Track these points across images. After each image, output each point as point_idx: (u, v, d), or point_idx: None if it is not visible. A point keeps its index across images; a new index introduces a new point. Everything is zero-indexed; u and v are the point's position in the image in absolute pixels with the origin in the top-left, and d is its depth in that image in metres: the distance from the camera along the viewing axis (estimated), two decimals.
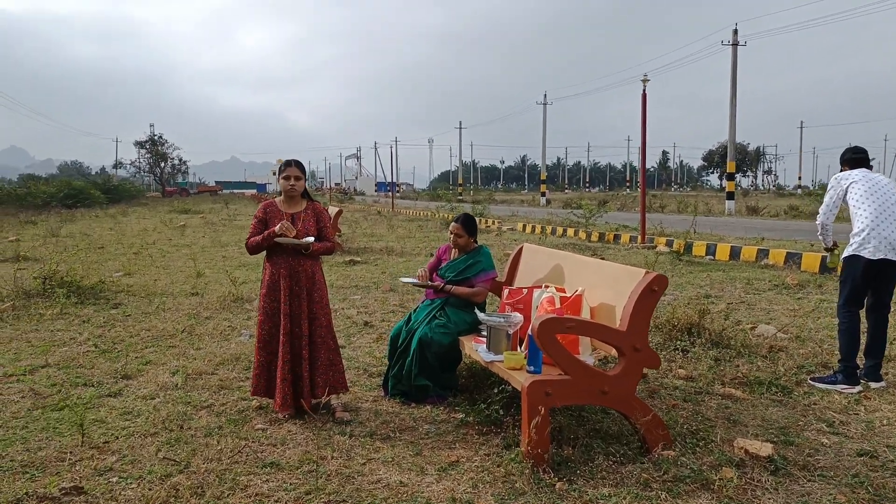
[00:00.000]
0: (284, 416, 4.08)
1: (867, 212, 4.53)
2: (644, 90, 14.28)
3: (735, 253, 12.04)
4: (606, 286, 3.84)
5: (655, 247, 13.98)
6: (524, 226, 20.25)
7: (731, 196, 29.13)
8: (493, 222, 22.04)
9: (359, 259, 12.21)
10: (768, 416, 4.08)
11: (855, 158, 4.89)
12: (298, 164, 4.22)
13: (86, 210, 32.43)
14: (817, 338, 5.95)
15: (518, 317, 3.89)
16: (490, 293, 4.79)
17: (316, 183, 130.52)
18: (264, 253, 4.26)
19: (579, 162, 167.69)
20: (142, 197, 53.48)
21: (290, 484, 3.23)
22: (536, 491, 3.10)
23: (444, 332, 4.41)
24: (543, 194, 46.20)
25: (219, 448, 3.64)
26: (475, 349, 4.11)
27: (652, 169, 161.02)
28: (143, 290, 8.84)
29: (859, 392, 4.49)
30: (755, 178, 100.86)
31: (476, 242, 4.80)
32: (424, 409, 4.26)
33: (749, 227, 18.48)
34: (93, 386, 4.76)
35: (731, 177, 30.04)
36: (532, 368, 3.60)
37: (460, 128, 69.20)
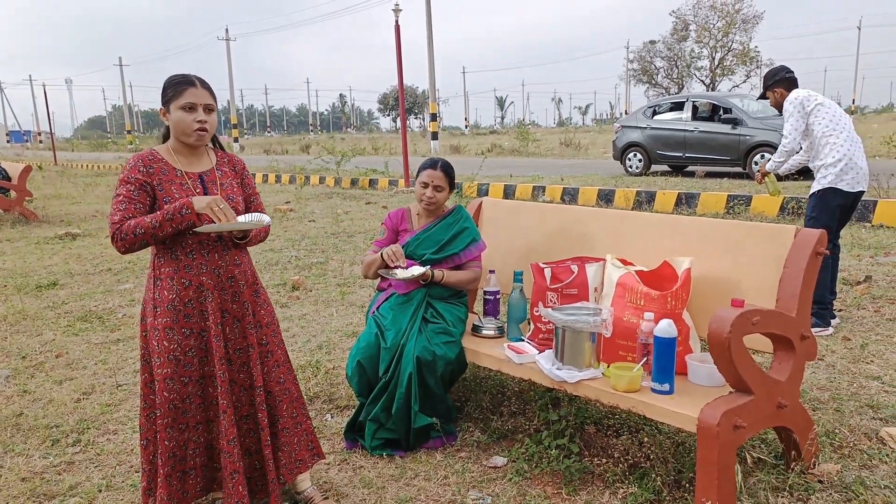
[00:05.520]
0: None
1: (840, 139, 4.17)
2: (397, 21, 13.18)
3: (510, 192, 11.91)
4: (709, 253, 2.75)
5: None
6: (265, 176, 17.74)
7: (435, 136, 29.99)
8: None
9: (78, 231, 9.10)
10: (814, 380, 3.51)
11: (791, 78, 4.46)
12: (205, 84, 2.21)
13: None
14: None
15: (608, 309, 2.59)
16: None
17: None
18: (149, 250, 2.22)
19: (252, 105, 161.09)
20: None
21: None
22: None
23: (447, 341, 2.89)
24: (236, 139, 42.41)
25: None
26: (527, 363, 2.70)
27: (325, 112, 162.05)
28: None
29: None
30: (423, 119, 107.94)
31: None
32: (438, 463, 2.75)
33: (476, 166, 18.48)
34: None
35: (433, 117, 30.87)
36: (665, 387, 2.40)
37: (121, 65, 59.78)
